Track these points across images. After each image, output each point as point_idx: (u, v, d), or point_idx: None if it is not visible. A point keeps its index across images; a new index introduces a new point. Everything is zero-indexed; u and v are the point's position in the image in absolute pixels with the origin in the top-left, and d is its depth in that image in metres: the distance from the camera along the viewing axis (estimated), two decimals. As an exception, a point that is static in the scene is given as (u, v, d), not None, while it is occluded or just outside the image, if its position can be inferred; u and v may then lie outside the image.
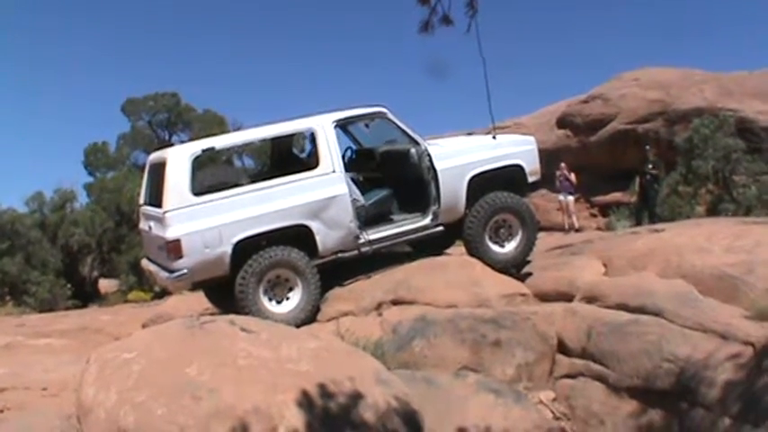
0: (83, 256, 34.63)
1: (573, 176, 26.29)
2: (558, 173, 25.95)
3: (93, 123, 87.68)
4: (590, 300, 10.65)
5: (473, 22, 7.43)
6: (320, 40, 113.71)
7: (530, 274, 12.37)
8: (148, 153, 45.71)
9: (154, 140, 46.00)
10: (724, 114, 27.90)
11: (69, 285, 32.31)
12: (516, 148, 12.60)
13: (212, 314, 11.54)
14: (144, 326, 13.36)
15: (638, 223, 23.25)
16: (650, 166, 24.33)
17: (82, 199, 39.12)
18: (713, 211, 25.48)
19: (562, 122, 35.25)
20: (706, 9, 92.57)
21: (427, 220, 11.99)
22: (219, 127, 39.93)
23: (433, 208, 11.92)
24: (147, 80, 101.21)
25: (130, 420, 7.24)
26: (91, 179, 45.56)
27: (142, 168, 44.35)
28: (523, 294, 11.52)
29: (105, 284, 35.39)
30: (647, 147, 25.99)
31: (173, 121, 47.29)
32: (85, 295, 33.07)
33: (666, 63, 35.61)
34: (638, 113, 32.04)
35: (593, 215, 32.75)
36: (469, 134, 36.15)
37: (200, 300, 14.25)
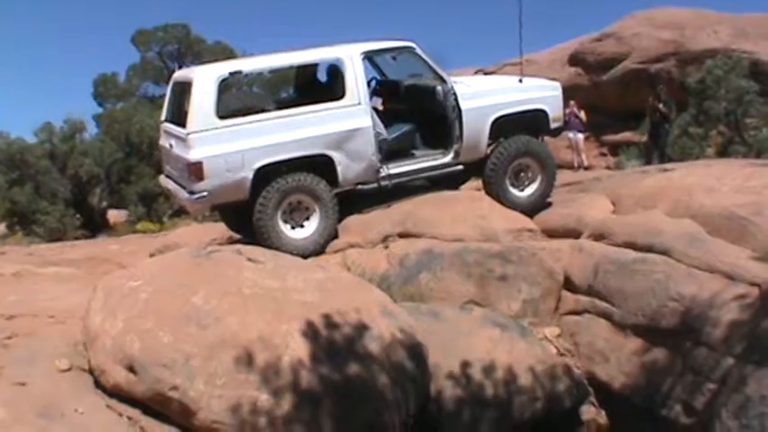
0: (92, 186, 34.60)
1: (583, 114, 26.13)
2: (567, 110, 25.80)
3: (102, 54, 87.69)
4: (597, 237, 10.62)
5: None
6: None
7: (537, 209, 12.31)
8: (158, 84, 46.18)
9: (163, 72, 45.88)
10: (738, 56, 27.71)
11: (78, 215, 32.36)
12: (542, 93, 12.50)
13: (219, 244, 11.57)
14: (151, 255, 13.36)
15: (648, 163, 23.13)
16: (661, 105, 24.16)
17: (91, 130, 39.03)
18: (724, 152, 25.40)
19: (574, 60, 35.05)
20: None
21: (448, 158, 11.94)
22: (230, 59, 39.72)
23: (455, 146, 11.87)
24: (158, 10, 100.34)
25: (136, 347, 7.30)
26: (100, 110, 45.57)
27: (152, 99, 44.65)
28: (531, 230, 11.52)
29: (114, 215, 35.42)
30: (661, 86, 25.80)
31: (183, 52, 47.03)
32: (94, 225, 33.11)
33: (681, 3, 35.28)
34: (651, 53, 31.85)
35: (603, 154, 32.68)
36: (478, 71, 36.15)
37: (207, 230, 14.30)
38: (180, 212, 29.99)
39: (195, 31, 47.43)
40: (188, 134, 10.67)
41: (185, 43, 46.97)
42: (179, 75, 12.30)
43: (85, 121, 37.37)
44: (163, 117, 12.35)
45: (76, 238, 28.01)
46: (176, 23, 47.34)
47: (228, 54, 41.26)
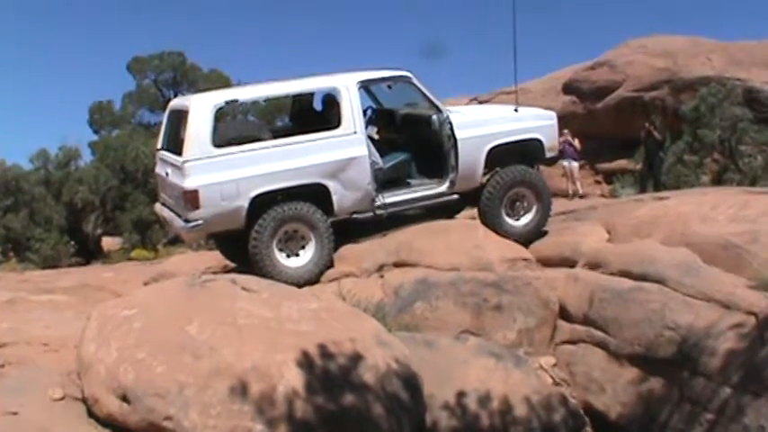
0: (86, 213, 34.54)
1: (577, 143, 26.23)
2: (561, 139, 25.85)
3: (98, 81, 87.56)
4: (593, 266, 10.61)
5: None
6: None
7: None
8: (154, 112, 46.22)
9: (159, 99, 45.96)
10: (731, 83, 27.80)
11: (73, 243, 32.23)
12: (537, 123, 12.52)
13: (214, 273, 11.54)
14: (146, 283, 13.32)
15: (643, 191, 23.23)
16: (656, 132, 24.29)
17: (86, 157, 39.08)
18: (718, 180, 25.45)
19: (568, 88, 35.12)
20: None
21: (444, 188, 11.94)
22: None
23: (451, 176, 11.87)
24: (154, 38, 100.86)
25: (130, 377, 7.27)
26: (96, 137, 45.57)
27: (147, 127, 44.64)
28: (526, 259, 11.50)
29: (108, 242, 35.37)
30: (653, 116, 25.95)
31: (178, 80, 47.13)
32: (89, 253, 33.05)
33: (674, 31, 35.47)
34: (645, 81, 31.90)
35: (598, 182, 32.70)
36: (472, 100, 36.28)
37: (202, 258, 14.26)
38: (175, 240, 29.93)
39: (191, 59, 47.59)
40: (184, 162, 10.67)
41: (181, 71, 47.07)
42: (175, 103, 12.33)
43: (81, 148, 37.44)
44: (159, 145, 12.35)
45: (71, 266, 27.95)
46: (172, 51, 47.45)
47: (224, 82, 41.39)
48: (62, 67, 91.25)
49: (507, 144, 12.06)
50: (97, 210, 34.76)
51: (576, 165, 26.40)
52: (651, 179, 24.39)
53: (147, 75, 47.94)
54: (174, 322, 7.82)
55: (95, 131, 47.07)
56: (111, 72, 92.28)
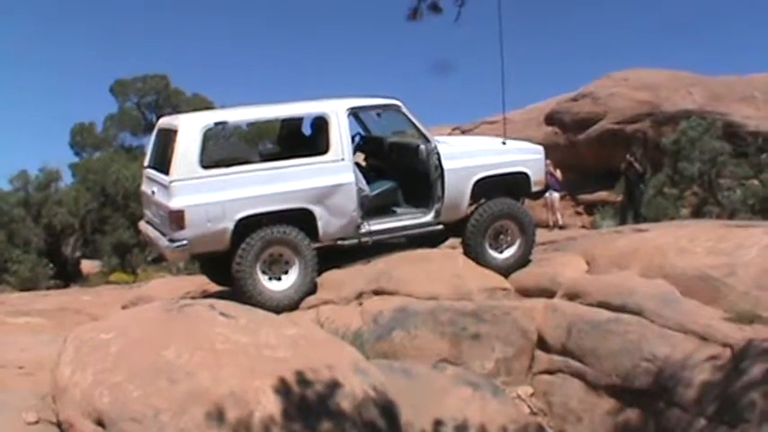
0: (66, 236, 34.47)
1: (558, 173, 26.32)
2: (543, 170, 25.93)
3: (80, 103, 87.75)
4: (571, 297, 10.64)
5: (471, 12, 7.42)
6: (310, 25, 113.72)
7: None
8: (135, 135, 46.18)
9: (141, 122, 46.01)
10: (712, 117, 28.05)
11: (51, 265, 32.11)
12: (524, 156, 12.56)
13: (193, 298, 11.51)
14: (124, 307, 13.30)
15: (623, 223, 23.30)
16: (638, 164, 24.43)
17: (67, 179, 39.07)
18: (698, 213, 25.60)
19: (551, 119, 35.27)
20: (696, 11, 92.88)
21: (429, 217, 11.95)
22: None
23: (437, 206, 11.88)
24: (138, 61, 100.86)
25: (106, 401, 7.21)
26: (76, 159, 45.52)
27: (128, 150, 44.56)
28: (505, 289, 11.52)
29: (87, 265, 35.26)
30: (634, 148, 26.10)
31: (161, 103, 47.16)
32: (67, 275, 32.92)
33: (656, 64, 35.74)
34: (627, 114, 32.09)
35: (579, 213, 32.80)
36: (455, 129, 36.40)
37: (181, 282, 14.22)
38: (155, 263, 29.90)
39: (174, 83, 47.67)
40: (171, 182, 10.66)
41: (164, 94, 47.17)
42: (164, 122, 12.30)
43: (61, 169, 37.38)
44: (146, 163, 12.33)
45: (49, 288, 27.83)
46: (155, 75, 47.58)
47: (207, 106, 41.39)
48: (44, 87, 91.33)
49: (494, 177, 12.09)
50: (77, 232, 34.67)
51: (556, 195, 26.50)
52: (631, 211, 24.48)
53: (130, 97, 48.05)
54: (152, 346, 7.77)
55: (77, 153, 47.13)
56: (94, 94, 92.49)
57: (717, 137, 26.89)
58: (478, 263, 11.91)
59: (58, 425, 7.57)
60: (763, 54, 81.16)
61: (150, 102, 47.69)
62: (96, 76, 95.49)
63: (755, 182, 25.99)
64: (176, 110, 43.60)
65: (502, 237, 12.17)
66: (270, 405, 7.20)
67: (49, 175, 35.42)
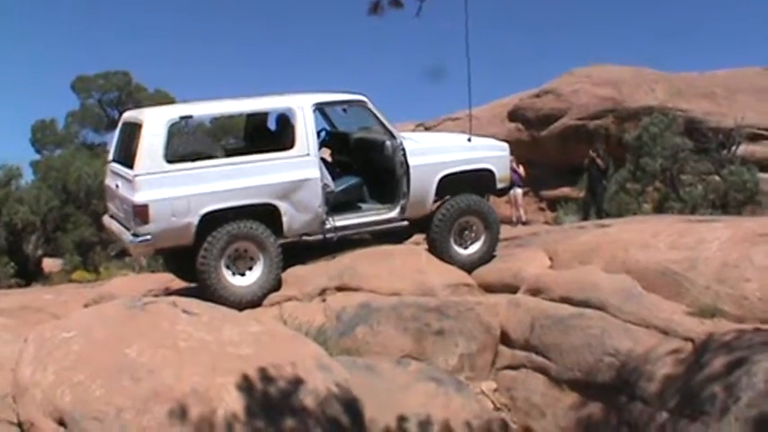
0: (27, 234, 34.06)
1: (522, 169, 26.37)
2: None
3: (41, 100, 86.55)
4: (534, 292, 10.68)
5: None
6: (271, 20, 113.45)
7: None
8: (97, 132, 45.86)
9: (103, 119, 45.69)
10: (673, 114, 28.27)
11: (12, 264, 31.73)
12: (489, 153, 12.61)
13: (155, 295, 11.44)
14: (86, 305, 13.16)
15: (586, 218, 23.41)
16: (600, 160, 24.57)
17: (27, 176, 38.67)
18: (660, 208, 25.75)
19: (514, 116, 35.41)
20: (661, 8, 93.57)
21: (394, 213, 11.97)
22: (170, 108, 39.62)
23: (402, 202, 11.90)
24: (99, 57, 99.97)
25: (67, 400, 7.18)
26: (37, 156, 45.12)
27: (90, 147, 44.19)
28: (468, 285, 11.54)
29: (49, 263, 34.90)
30: (597, 144, 26.26)
31: (123, 99, 46.86)
32: (29, 274, 32.54)
33: (619, 61, 35.96)
34: (590, 110, 32.31)
35: (542, 209, 32.96)
36: (419, 126, 36.43)
37: (143, 280, 14.12)
38: (118, 258, 29.68)
39: (136, 79, 47.36)
40: (135, 176, 10.60)
41: (126, 91, 46.89)
42: (129, 115, 12.20)
43: (22, 167, 36.96)
44: (110, 156, 12.23)
45: (10, 287, 27.52)
46: (117, 71, 47.26)
47: (169, 102, 41.15)
48: (4, 84, 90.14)
49: (459, 173, 12.13)
50: (38, 230, 34.28)
51: (519, 191, 26.52)
52: (594, 206, 24.60)
53: (92, 94, 47.69)
54: (114, 345, 7.74)
55: (38, 151, 46.70)
56: (55, 90, 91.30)
57: (678, 133, 27.08)
58: (443, 259, 11.94)
59: (19, 425, 7.52)
60: (724, 51, 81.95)
61: (112, 98, 47.38)
62: (57, 73, 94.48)
63: (716, 177, 26.25)
64: (139, 106, 43.48)
65: (467, 233, 12.20)
66: (233, 402, 7.20)
67: (9, 172, 34.98)
